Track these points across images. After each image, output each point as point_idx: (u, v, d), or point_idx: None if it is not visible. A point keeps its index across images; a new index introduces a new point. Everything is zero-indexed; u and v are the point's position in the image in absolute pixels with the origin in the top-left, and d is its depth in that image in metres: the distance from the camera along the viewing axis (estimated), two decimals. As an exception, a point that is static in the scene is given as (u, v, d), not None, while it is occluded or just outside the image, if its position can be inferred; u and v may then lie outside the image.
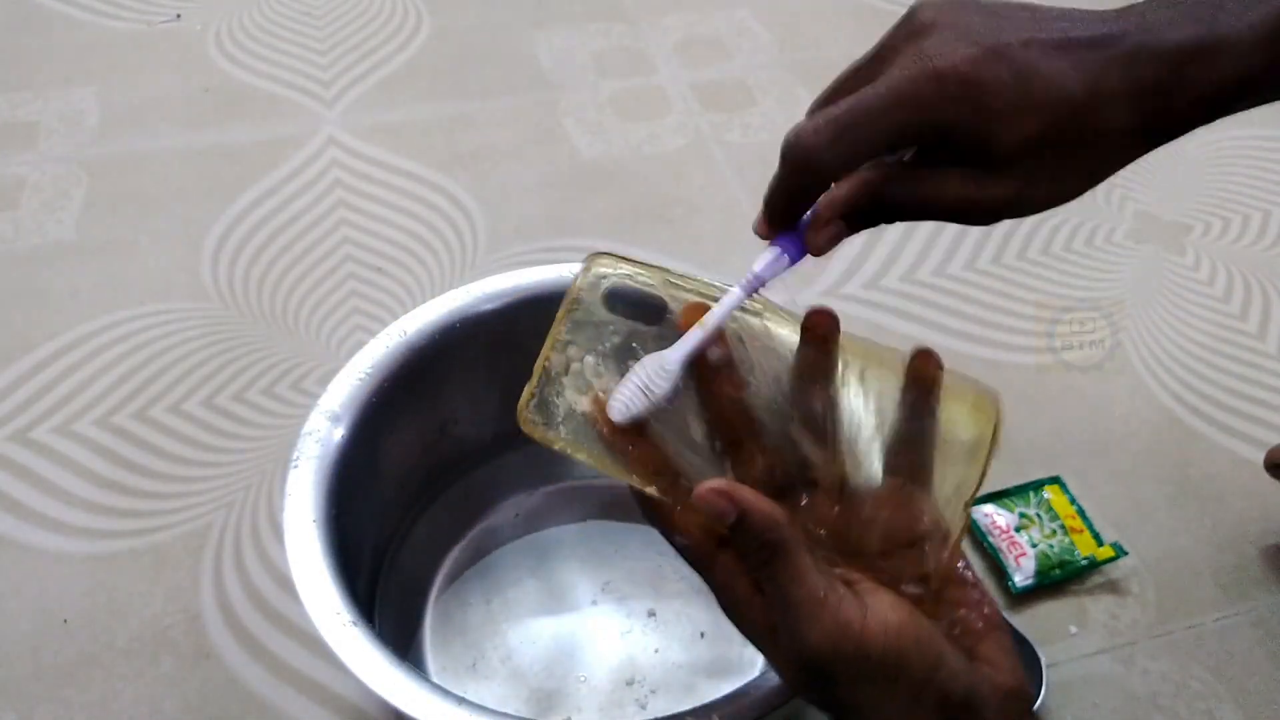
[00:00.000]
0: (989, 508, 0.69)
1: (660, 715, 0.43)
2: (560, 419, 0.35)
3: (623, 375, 0.35)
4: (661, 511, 0.35)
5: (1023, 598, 0.66)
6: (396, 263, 0.85)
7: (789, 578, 0.31)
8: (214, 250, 0.85)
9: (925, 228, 0.90)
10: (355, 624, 0.44)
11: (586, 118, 1.00)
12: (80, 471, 0.70)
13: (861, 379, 0.36)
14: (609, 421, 0.35)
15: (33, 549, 0.66)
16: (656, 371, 0.35)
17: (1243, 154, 1.01)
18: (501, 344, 0.61)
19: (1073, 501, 0.70)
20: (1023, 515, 0.69)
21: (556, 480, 0.67)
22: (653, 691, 0.59)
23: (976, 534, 0.68)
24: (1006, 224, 0.91)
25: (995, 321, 0.83)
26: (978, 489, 0.34)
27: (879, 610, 0.31)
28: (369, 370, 0.55)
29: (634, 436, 0.35)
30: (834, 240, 0.36)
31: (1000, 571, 0.67)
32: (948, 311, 0.84)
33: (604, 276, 0.37)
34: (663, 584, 0.63)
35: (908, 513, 0.34)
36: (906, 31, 0.34)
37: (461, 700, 0.43)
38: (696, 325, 0.35)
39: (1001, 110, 0.32)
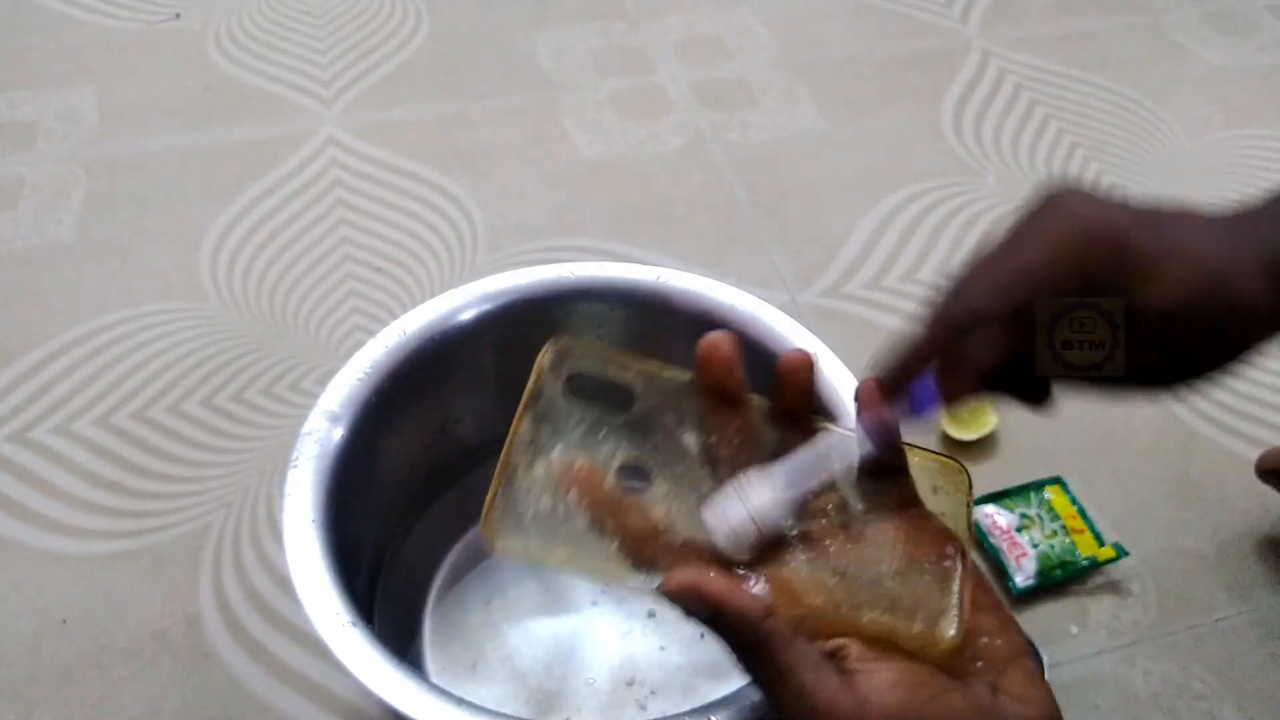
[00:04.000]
0: (990, 508, 0.69)
1: (660, 716, 0.43)
2: (530, 521, 0.33)
3: (593, 458, 0.33)
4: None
5: (1024, 598, 0.66)
6: (396, 263, 0.85)
7: (773, 677, 0.30)
8: (213, 250, 0.85)
9: (926, 226, 0.90)
10: (354, 624, 0.44)
11: (586, 117, 1.00)
12: (79, 472, 0.70)
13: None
14: (594, 491, 0.32)
15: (32, 549, 0.66)
16: (771, 506, 0.33)
17: (1243, 154, 1.01)
18: (501, 344, 0.61)
19: (1074, 502, 0.70)
20: (1024, 516, 0.68)
21: (556, 480, 0.67)
22: (653, 692, 0.59)
23: (978, 534, 0.68)
24: (1007, 224, 0.91)
25: (996, 321, 0.83)
26: (970, 529, 0.33)
27: (876, 696, 0.30)
28: (368, 370, 0.55)
29: (619, 508, 0.33)
30: (964, 391, 0.35)
31: (1001, 572, 0.66)
32: (948, 311, 0.84)
33: (565, 361, 0.35)
34: (663, 584, 0.63)
35: (918, 533, 0.33)
36: (1044, 204, 0.34)
37: (461, 701, 0.42)
38: (813, 450, 0.33)
39: (1147, 274, 0.32)
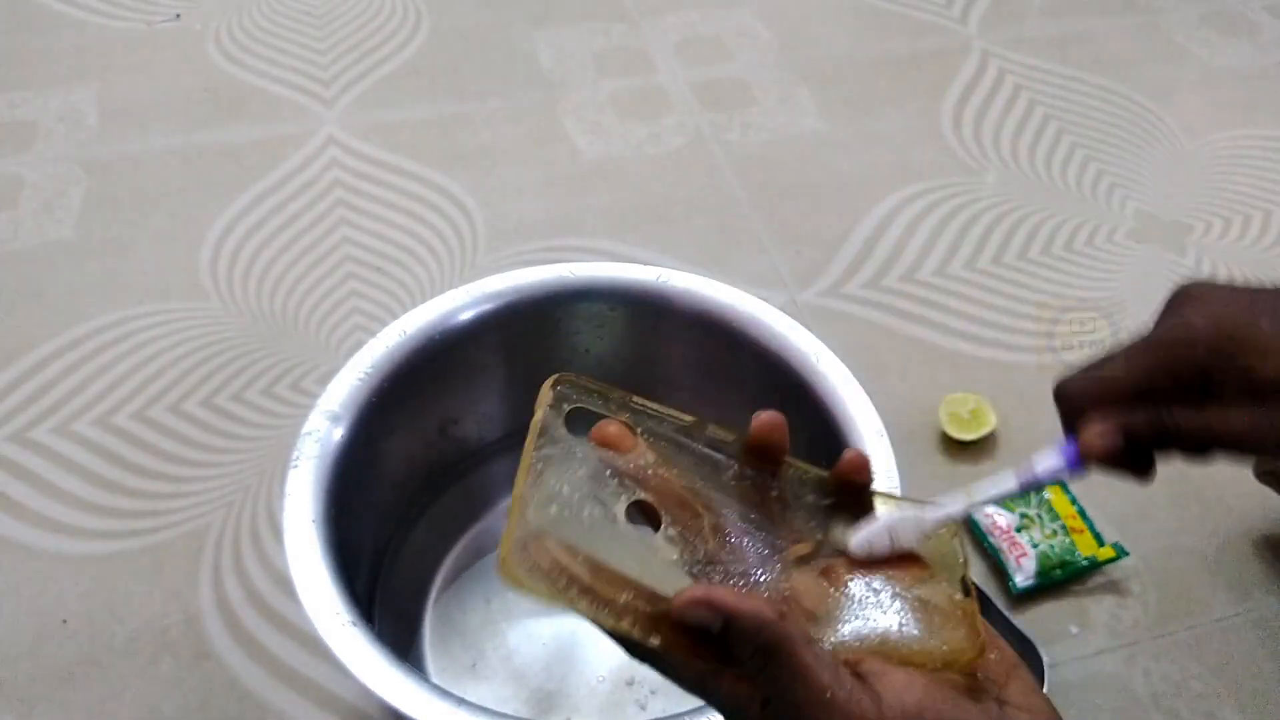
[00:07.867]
0: (990, 508, 0.69)
1: (660, 716, 0.43)
2: (544, 564, 0.30)
3: (598, 502, 0.32)
4: (654, 650, 0.33)
5: (1024, 598, 0.66)
6: (396, 263, 0.85)
7: (791, 678, 0.29)
8: (213, 250, 0.85)
9: (926, 226, 0.90)
10: (354, 624, 0.44)
11: (586, 117, 1.00)
12: (79, 472, 0.70)
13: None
14: (576, 563, 0.31)
15: (32, 549, 0.66)
16: (910, 526, 0.34)
17: (1243, 154, 1.01)
18: (501, 344, 0.61)
19: (1074, 502, 0.70)
20: (1023, 515, 0.68)
21: (556, 480, 0.67)
22: (652, 692, 0.59)
23: (977, 534, 0.68)
24: (1007, 224, 0.91)
25: (995, 321, 0.83)
26: (966, 562, 0.34)
27: (893, 695, 0.30)
28: (369, 370, 0.55)
29: (607, 574, 0.31)
30: (1106, 444, 0.36)
31: (1001, 572, 0.66)
32: (948, 311, 0.84)
33: (564, 400, 0.33)
34: (663, 584, 0.63)
35: (908, 564, 0.34)
36: (1171, 305, 0.37)
37: (461, 701, 0.43)
38: (963, 493, 0.35)
39: (1262, 346, 0.34)
